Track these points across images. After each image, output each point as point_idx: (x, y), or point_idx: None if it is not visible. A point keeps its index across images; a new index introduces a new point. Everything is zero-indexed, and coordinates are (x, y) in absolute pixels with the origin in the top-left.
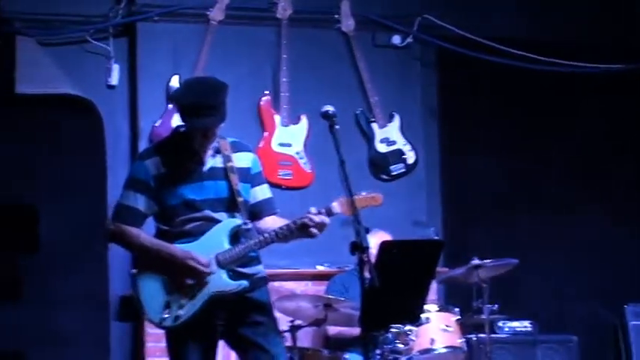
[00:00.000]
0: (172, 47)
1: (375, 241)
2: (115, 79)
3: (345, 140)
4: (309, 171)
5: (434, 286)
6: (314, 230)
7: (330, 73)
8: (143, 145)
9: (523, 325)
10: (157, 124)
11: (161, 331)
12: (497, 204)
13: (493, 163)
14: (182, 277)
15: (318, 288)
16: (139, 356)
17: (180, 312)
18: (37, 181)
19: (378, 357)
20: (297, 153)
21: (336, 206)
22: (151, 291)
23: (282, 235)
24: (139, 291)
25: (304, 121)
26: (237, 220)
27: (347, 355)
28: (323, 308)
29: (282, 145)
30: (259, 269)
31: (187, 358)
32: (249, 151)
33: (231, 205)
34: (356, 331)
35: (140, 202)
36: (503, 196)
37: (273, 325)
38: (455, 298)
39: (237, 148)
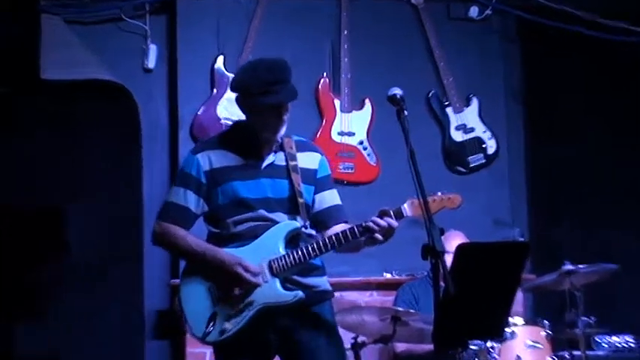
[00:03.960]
0: (217, 25)
1: (450, 244)
2: (152, 61)
3: (416, 128)
4: (374, 164)
5: (519, 296)
6: (379, 236)
7: (398, 51)
8: (184, 135)
9: (624, 340)
10: (199, 112)
11: (203, 350)
12: (592, 200)
13: (587, 152)
14: (230, 286)
15: (385, 299)
16: None
17: (227, 325)
18: (65, 178)
19: None
20: (361, 143)
21: (406, 208)
22: (196, 301)
23: (342, 241)
24: (183, 300)
25: (368, 106)
26: (296, 223)
27: None
28: (390, 322)
29: (342, 134)
30: (322, 281)
31: None
32: (317, 151)
33: (291, 206)
34: (428, 348)
35: (190, 200)
36: (598, 190)
37: (334, 350)
38: (544, 309)
39: (303, 147)
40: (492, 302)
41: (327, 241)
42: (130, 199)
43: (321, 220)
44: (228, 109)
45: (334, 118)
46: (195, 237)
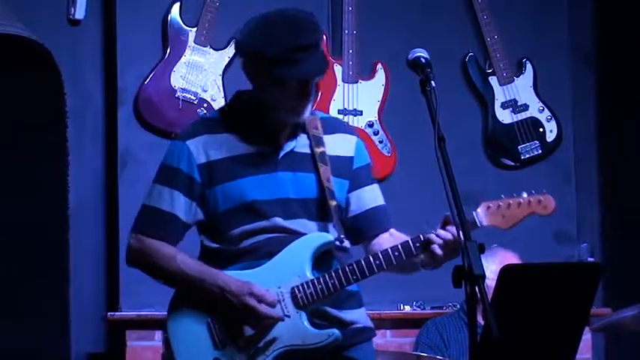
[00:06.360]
0: None
1: (495, 267)
2: (80, 10)
3: (447, 104)
4: (388, 154)
5: (587, 337)
6: (439, 252)
7: None
8: (125, 114)
9: None
10: (147, 81)
11: None
12: None
13: None
14: (238, 323)
15: (403, 340)
16: None
17: None
18: None
19: None
20: (370, 125)
21: (481, 214)
22: (191, 344)
23: (394, 261)
24: (173, 343)
25: (381, 74)
26: (328, 235)
27: None
28: None
29: (345, 112)
30: (359, 315)
31: None
32: (351, 133)
33: (319, 210)
34: None
35: (178, 205)
36: None
37: None
38: (621, 356)
39: (333, 127)
40: (550, 346)
41: (371, 261)
42: (50, 204)
43: (358, 228)
44: (187, 78)
45: (334, 91)
46: (187, 256)
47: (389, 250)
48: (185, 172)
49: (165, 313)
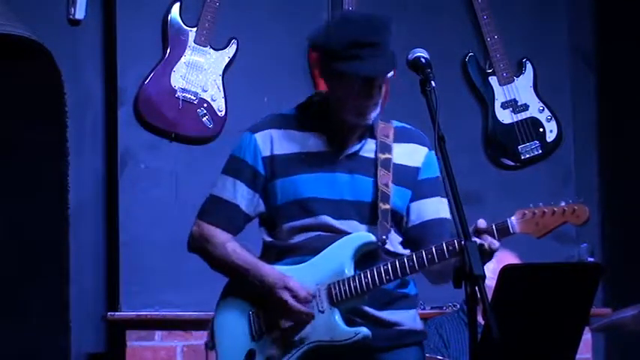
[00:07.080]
0: None
1: (493, 265)
2: (80, 10)
3: (447, 104)
4: None
5: (587, 337)
6: None
7: None
8: (125, 113)
9: None
10: (147, 81)
11: None
12: None
13: None
14: (275, 315)
15: None
16: None
17: None
18: None
19: None
20: None
21: (514, 222)
22: (232, 333)
23: (426, 263)
24: (217, 331)
25: None
26: (370, 236)
27: None
28: None
29: None
30: (407, 316)
31: None
32: (423, 144)
33: (373, 214)
34: None
35: (240, 196)
36: None
37: None
38: (621, 356)
39: (405, 136)
40: (550, 346)
41: (405, 262)
42: (50, 204)
43: (415, 238)
44: (187, 78)
45: None
46: (239, 246)
47: (423, 252)
48: (250, 164)
49: (165, 313)
